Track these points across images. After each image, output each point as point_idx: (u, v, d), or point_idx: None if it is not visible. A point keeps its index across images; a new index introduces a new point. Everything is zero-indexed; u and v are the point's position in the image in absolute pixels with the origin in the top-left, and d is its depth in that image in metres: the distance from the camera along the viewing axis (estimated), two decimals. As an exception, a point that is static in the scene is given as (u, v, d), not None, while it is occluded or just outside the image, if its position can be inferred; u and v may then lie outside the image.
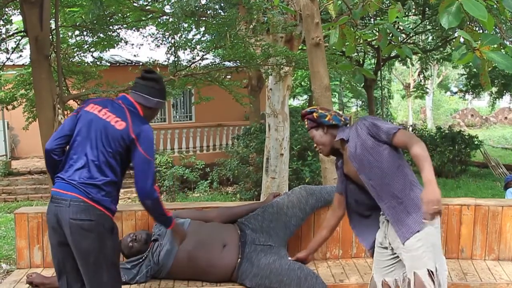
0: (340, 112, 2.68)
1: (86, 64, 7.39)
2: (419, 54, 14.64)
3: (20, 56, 8.65)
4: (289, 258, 3.02)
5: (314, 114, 2.61)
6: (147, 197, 2.39)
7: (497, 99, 17.31)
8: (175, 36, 6.60)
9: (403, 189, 2.40)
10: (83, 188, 2.36)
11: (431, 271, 2.31)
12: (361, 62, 15.11)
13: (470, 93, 17.48)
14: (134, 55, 8.44)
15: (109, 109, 2.47)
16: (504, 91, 15.75)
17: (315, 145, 2.67)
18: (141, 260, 3.05)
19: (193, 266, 2.99)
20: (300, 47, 9.07)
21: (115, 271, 2.47)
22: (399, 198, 2.40)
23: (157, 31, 7.43)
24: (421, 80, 20.13)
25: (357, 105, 28.66)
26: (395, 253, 2.48)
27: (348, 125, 2.63)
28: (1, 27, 6.34)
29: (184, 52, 6.82)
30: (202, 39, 7.61)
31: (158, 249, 3.05)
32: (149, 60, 7.61)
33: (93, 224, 2.35)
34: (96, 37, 7.28)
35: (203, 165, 10.29)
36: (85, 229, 2.35)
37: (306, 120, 2.68)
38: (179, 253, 2.99)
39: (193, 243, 2.99)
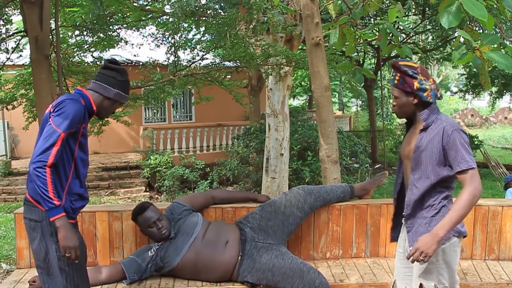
0: (437, 84, 2.33)
1: (86, 64, 7.38)
2: (419, 54, 14.65)
3: (20, 56, 8.65)
4: None
5: (415, 84, 2.29)
6: (32, 162, 2.15)
7: (497, 99, 17.31)
8: (175, 36, 6.60)
9: (436, 209, 2.32)
10: (29, 185, 2.30)
11: (437, 287, 2.27)
12: (361, 62, 15.12)
13: (470, 93, 17.48)
14: (134, 55, 8.45)
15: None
16: (504, 91, 15.74)
17: (393, 103, 2.41)
18: (149, 253, 3.05)
19: (198, 264, 3.00)
20: (300, 47, 9.07)
21: (74, 278, 2.31)
22: (427, 214, 2.33)
23: (157, 31, 7.43)
24: (421, 80, 20.08)
25: (357, 105, 28.65)
26: None
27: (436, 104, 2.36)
28: (1, 27, 6.34)
29: (184, 52, 6.83)
30: (202, 39, 7.59)
31: (167, 246, 3.05)
32: (149, 60, 7.61)
33: (38, 224, 2.25)
34: (96, 37, 7.27)
35: (203, 165, 10.29)
36: (32, 228, 2.29)
37: (399, 76, 2.34)
38: (188, 253, 3.00)
39: (203, 242, 3.03)
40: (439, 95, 2.34)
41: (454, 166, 2.23)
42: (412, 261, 2.20)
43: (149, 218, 3.06)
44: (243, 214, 3.39)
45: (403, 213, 2.44)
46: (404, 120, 2.51)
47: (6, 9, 6.24)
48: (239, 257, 3.01)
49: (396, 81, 2.35)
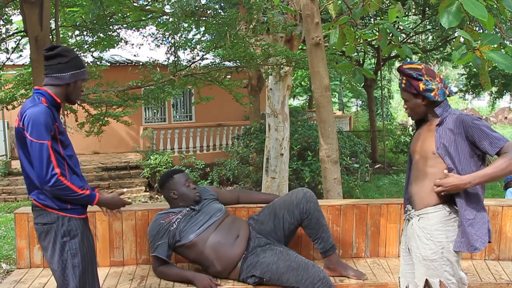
0: (444, 81, 2.35)
1: (86, 64, 7.39)
2: (419, 54, 14.66)
3: (20, 56, 8.67)
4: None
5: (421, 85, 2.28)
6: (44, 184, 2.22)
7: (497, 99, 17.34)
8: (175, 36, 6.61)
9: (463, 209, 2.25)
10: (32, 191, 2.35)
11: (443, 282, 2.27)
12: (361, 62, 15.13)
13: (470, 93, 17.50)
14: (134, 55, 8.46)
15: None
16: (504, 91, 15.77)
17: (405, 106, 2.42)
18: (171, 228, 3.07)
19: (205, 249, 3.01)
20: (300, 47, 9.08)
21: (86, 275, 2.36)
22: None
23: (157, 31, 7.44)
24: (421, 80, 20.10)
25: (357, 105, 28.68)
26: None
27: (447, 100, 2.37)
28: (1, 27, 6.35)
29: (184, 52, 6.83)
30: (202, 39, 7.60)
31: (188, 219, 3.07)
32: (149, 60, 7.62)
33: (52, 227, 2.32)
34: (96, 37, 7.29)
35: (203, 165, 10.30)
36: (45, 232, 2.33)
37: (405, 79, 2.34)
38: (203, 233, 3.03)
39: (217, 229, 3.06)
40: (448, 92, 2.33)
41: (490, 150, 2.18)
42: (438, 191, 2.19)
43: (186, 178, 3.19)
44: (243, 214, 3.39)
45: (410, 209, 2.42)
46: (402, 119, 2.52)
47: (6, 9, 6.25)
48: (244, 255, 3.02)
49: (403, 85, 2.36)
